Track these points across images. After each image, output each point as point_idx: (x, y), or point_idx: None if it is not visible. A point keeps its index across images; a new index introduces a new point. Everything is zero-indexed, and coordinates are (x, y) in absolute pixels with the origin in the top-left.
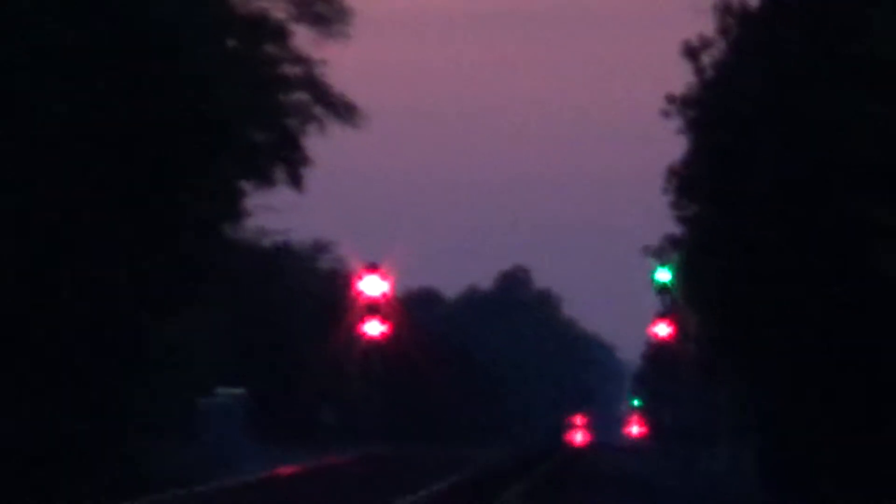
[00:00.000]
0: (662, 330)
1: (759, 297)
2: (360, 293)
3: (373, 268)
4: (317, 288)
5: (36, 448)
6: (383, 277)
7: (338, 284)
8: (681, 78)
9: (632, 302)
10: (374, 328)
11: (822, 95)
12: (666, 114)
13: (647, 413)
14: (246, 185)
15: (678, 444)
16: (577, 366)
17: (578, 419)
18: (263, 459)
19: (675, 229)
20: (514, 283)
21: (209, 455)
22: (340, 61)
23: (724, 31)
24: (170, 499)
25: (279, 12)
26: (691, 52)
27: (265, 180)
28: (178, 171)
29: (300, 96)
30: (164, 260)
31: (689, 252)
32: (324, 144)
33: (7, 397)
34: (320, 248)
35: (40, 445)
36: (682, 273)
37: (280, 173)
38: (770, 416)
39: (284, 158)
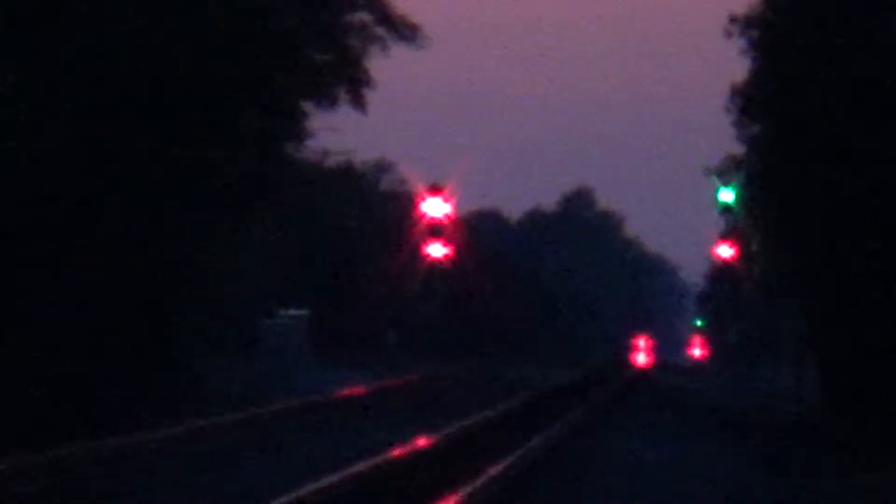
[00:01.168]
0: (725, 251)
1: (823, 217)
2: (423, 214)
3: (436, 189)
4: (379, 209)
5: (97, 366)
6: (446, 199)
7: (400, 205)
8: None
9: (695, 222)
10: (436, 250)
11: (886, 13)
12: (729, 34)
13: (710, 333)
14: (308, 106)
15: (741, 364)
16: (640, 286)
17: (642, 340)
18: (326, 380)
19: (737, 149)
20: (577, 203)
21: (270, 375)
22: None
23: None
24: (228, 421)
25: None
26: None
27: (328, 100)
28: (239, 88)
29: (362, 16)
30: (226, 176)
31: (752, 172)
32: (386, 64)
33: (69, 311)
34: (383, 168)
35: (101, 363)
36: (744, 193)
37: (342, 94)
38: (831, 336)
39: (346, 78)
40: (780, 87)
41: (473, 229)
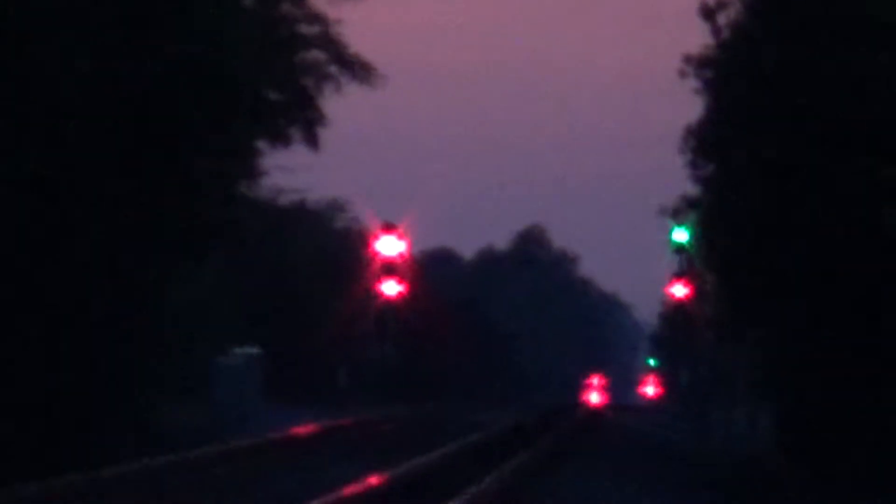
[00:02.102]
0: (679, 290)
1: (776, 257)
2: (377, 253)
3: (389, 227)
4: (333, 248)
5: (45, 406)
6: (400, 237)
7: (354, 244)
8: (699, 38)
9: (648, 262)
10: (390, 288)
11: (837, 54)
12: (683, 74)
13: (662, 373)
14: (262, 145)
15: (694, 405)
16: (593, 326)
17: (595, 379)
18: (277, 420)
19: (691, 189)
20: (530, 242)
21: (222, 415)
22: (356, 20)
23: None
24: (176, 460)
25: None
26: (708, 13)
27: (281, 139)
28: (192, 129)
29: (316, 55)
30: (179, 217)
31: (706, 212)
32: (340, 104)
33: (16, 354)
34: (336, 207)
35: (49, 404)
36: (698, 233)
37: (296, 132)
38: (787, 377)
39: (300, 118)
40: (730, 128)
41: (427, 268)
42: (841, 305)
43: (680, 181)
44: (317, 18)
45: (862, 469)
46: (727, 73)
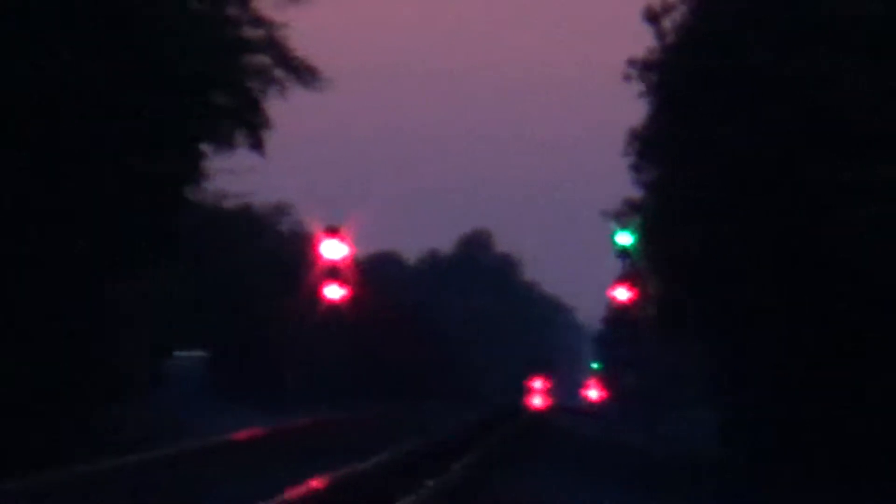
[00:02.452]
0: (622, 293)
1: (720, 260)
2: (320, 256)
3: (333, 231)
4: (277, 251)
5: None
6: (343, 241)
7: (298, 247)
8: (644, 41)
9: (593, 265)
10: (333, 292)
11: (783, 57)
12: (628, 77)
13: (606, 376)
14: (207, 148)
15: (638, 408)
16: (537, 329)
17: (538, 382)
18: (223, 423)
19: (635, 193)
20: (474, 246)
21: (168, 419)
22: (301, 21)
23: None
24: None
25: None
26: (653, 16)
27: (226, 143)
28: (135, 131)
29: (261, 59)
30: (123, 221)
31: (650, 215)
32: (285, 107)
33: None
34: (281, 210)
35: None
36: (642, 236)
37: (241, 136)
38: (730, 379)
39: (245, 121)
40: (674, 131)
41: (370, 272)
42: (782, 310)
43: (624, 184)
44: (262, 22)
45: (800, 463)
46: (672, 75)
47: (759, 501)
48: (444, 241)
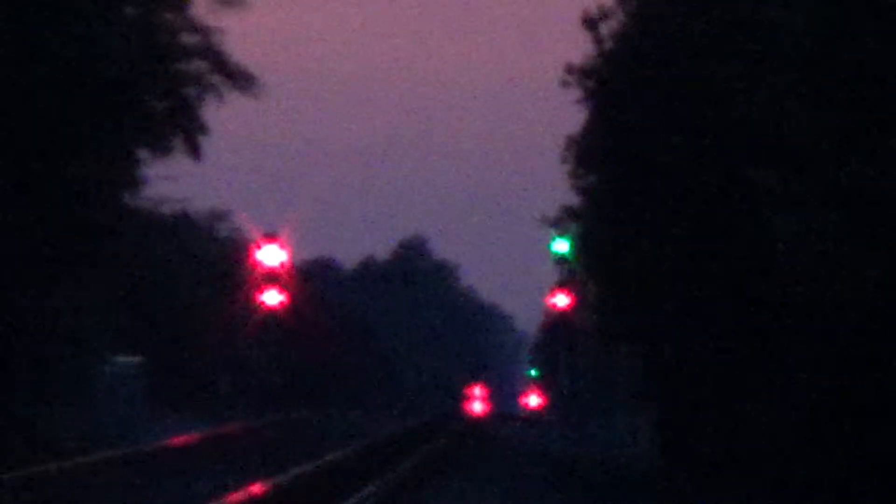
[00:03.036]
0: (561, 300)
1: (656, 266)
2: (258, 262)
3: (271, 237)
4: (215, 257)
5: None
6: (281, 247)
7: (235, 253)
8: (582, 47)
9: (530, 272)
10: (271, 297)
11: (714, 65)
12: (565, 84)
13: (545, 383)
14: (143, 153)
15: (575, 415)
16: (475, 336)
17: (477, 389)
18: (158, 428)
19: (573, 199)
20: (411, 252)
21: (104, 424)
22: (237, 26)
23: (623, 1)
24: (49, 471)
25: None
26: (591, 23)
27: (162, 149)
28: (71, 136)
29: (198, 65)
30: (57, 225)
31: (587, 222)
32: (221, 112)
33: None
34: (218, 216)
35: None
36: (580, 243)
37: (177, 142)
38: (666, 385)
39: (182, 127)
40: (612, 137)
41: (308, 277)
42: (714, 313)
43: (561, 191)
44: (198, 28)
45: (733, 468)
46: (609, 81)
47: None
48: (381, 247)
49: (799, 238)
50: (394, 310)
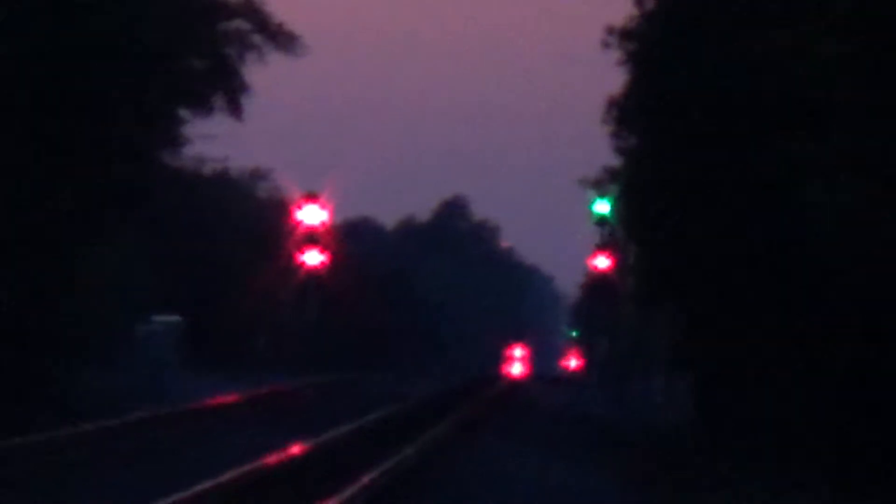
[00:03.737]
0: (601, 262)
1: (697, 227)
2: (299, 222)
3: (312, 197)
4: (255, 216)
5: None
6: (322, 206)
7: (276, 213)
8: (624, 8)
9: (571, 233)
10: (312, 258)
11: (756, 31)
12: (606, 45)
13: (584, 345)
14: (184, 113)
15: (614, 377)
16: (515, 296)
17: (517, 350)
18: (196, 388)
19: (614, 161)
20: (452, 212)
21: (142, 383)
22: None
23: None
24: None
25: None
26: None
27: (204, 108)
28: (112, 95)
29: (239, 24)
30: (98, 185)
31: (628, 183)
32: (263, 71)
33: None
34: (259, 176)
35: None
36: (620, 205)
37: (219, 101)
38: (705, 351)
39: (223, 86)
40: (654, 100)
41: (349, 237)
42: (753, 279)
43: (603, 152)
44: None
45: (766, 436)
46: (650, 43)
47: (708, 482)
48: (422, 207)
49: (835, 208)
50: (435, 270)
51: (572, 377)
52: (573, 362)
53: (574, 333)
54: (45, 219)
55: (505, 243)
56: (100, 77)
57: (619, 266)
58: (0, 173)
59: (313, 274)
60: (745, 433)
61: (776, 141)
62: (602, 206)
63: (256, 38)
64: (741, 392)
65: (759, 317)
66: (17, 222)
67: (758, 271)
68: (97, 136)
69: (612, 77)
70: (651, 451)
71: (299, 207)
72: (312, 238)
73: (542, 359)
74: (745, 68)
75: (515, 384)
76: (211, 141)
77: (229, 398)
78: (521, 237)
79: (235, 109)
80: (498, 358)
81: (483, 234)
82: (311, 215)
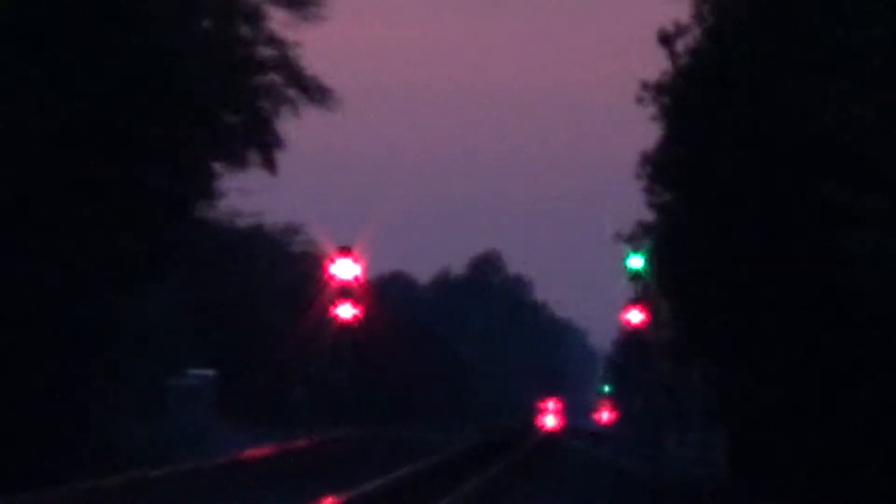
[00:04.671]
0: (635, 317)
1: (730, 282)
2: (332, 276)
3: (345, 251)
4: (289, 270)
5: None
6: (355, 260)
7: (310, 267)
8: (658, 64)
9: (604, 288)
10: (345, 311)
11: (792, 81)
12: (640, 100)
13: (616, 399)
14: (218, 167)
15: (647, 431)
16: (548, 351)
17: (551, 403)
18: (229, 441)
19: (647, 216)
20: (486, 267)
21: (177, 436)
22: (314, 41)
23: (699, 17)
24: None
25: None
26: (666, 39)
27: (238, 162)
28: (149, 148)
29: (273, 78)
30: (134, 237)
31: (662, 238)
32: (296, 124)
33: None
34: (293, 230)
35: (5, 424)
36: (654, 260)
37: (253, 155)
38: (740, 402)
39: (257, 141)
40: (687, 154)
41: (382, 292)
42: (787, 330)
43: (636, 207)
44: (274, 41)
45: (806, 487)
46: (684, 98)
47: None
48: (456, 261)
49: (873, 259)
50: (468, 324)
51: (604, 431)
52: (605, 415)
53: (607, 388)
54: (82, 269)
55: (538, 298)
56: (138, 126)
57: (653, 321)
58: (38, 222)
59: (346, 328)
60: (780, 491)
61: (814, 190)
62: (636, 262)
63: (290, 92)
64: (774, 449)
65: (797, 373)
66: (54, 272)
67: (796, 325)
68: (134, 185)
69: (646, 132)
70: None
71: (332, 261)
72: (345, 292)
73: (575, 412)
74: (784, 120)
75: (549, 436)
76: (245, 195)
77: (261, 451)
78: (554, 292)
79: (269, 163)
80: (532, 411)
81: (517, 289)
82: (345, 269)
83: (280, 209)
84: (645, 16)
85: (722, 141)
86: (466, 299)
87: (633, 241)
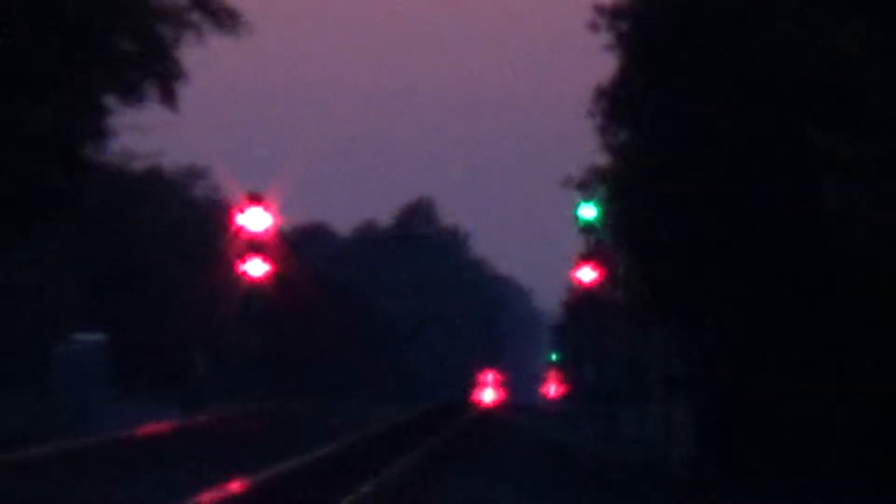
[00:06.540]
0: (587, 274)
1: (697, 234)
2: (241, 228)
3: (255, 199)
4: (191, 220)
5: None
6: (267, 210)
7: (215, 217)
8: None
9: (552, 242)
10: (256, 268)
11: (768, 10)
12: (594, 27)
13: (566, 369)
14: (111, 101)
15: (602, 405)
16: (488, 313)
17: (489, 375)
18: (124, 416)
19: (601, 159)
20: (416, 217)
21: (63, 409)
22: None
23: None
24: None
25: None
26: None
27: (133, 95)
28: (28, 80)
29: (174, 0)
30: (8, 183)
31: (618, 184)
32: (201, 53)
33: None
34: (196, 174)
35: None
36: (609, 209)
37: (151, 88)
38: (707, 368)
39: (155, 71)
40: (648, 88)
41: (298, 246)
42: (760, 289)
43: (588, 150)
44: None
45: (775, 465)
46: (646, 23)
47: None
48: (382, 211)
49: (855, 207)
50: (396, 282)
51: (552, 405)
52: (552, 389)
53: (554, 356)
54: None
55: (476, 252)
56: (14, 54)
57: (607, 279)
58: None
59: (257, 286)
60: (745, 469)
61: (796, 133)
62: (588, 211)
63: (194, 16)
64: (743, 422)
65: (769, 334)
66: None
67: (769, 280)
68: (9, 126)
69: (600, 63)
70: (640, 494)
71: (241, 211)
72: (256, 245)
73: (519, 384)
74: (760, 51)
75: (487, 413)
76: (142, 133)
77: (161, 427)
78: (494, 246)
79: (169, 98)
80: (468, 383)
81: (451, 242)
82: (255, 220)
83: (182, 150)
84: None
85: (689, 73)
86: (394, 254)
87: (584, 187)
